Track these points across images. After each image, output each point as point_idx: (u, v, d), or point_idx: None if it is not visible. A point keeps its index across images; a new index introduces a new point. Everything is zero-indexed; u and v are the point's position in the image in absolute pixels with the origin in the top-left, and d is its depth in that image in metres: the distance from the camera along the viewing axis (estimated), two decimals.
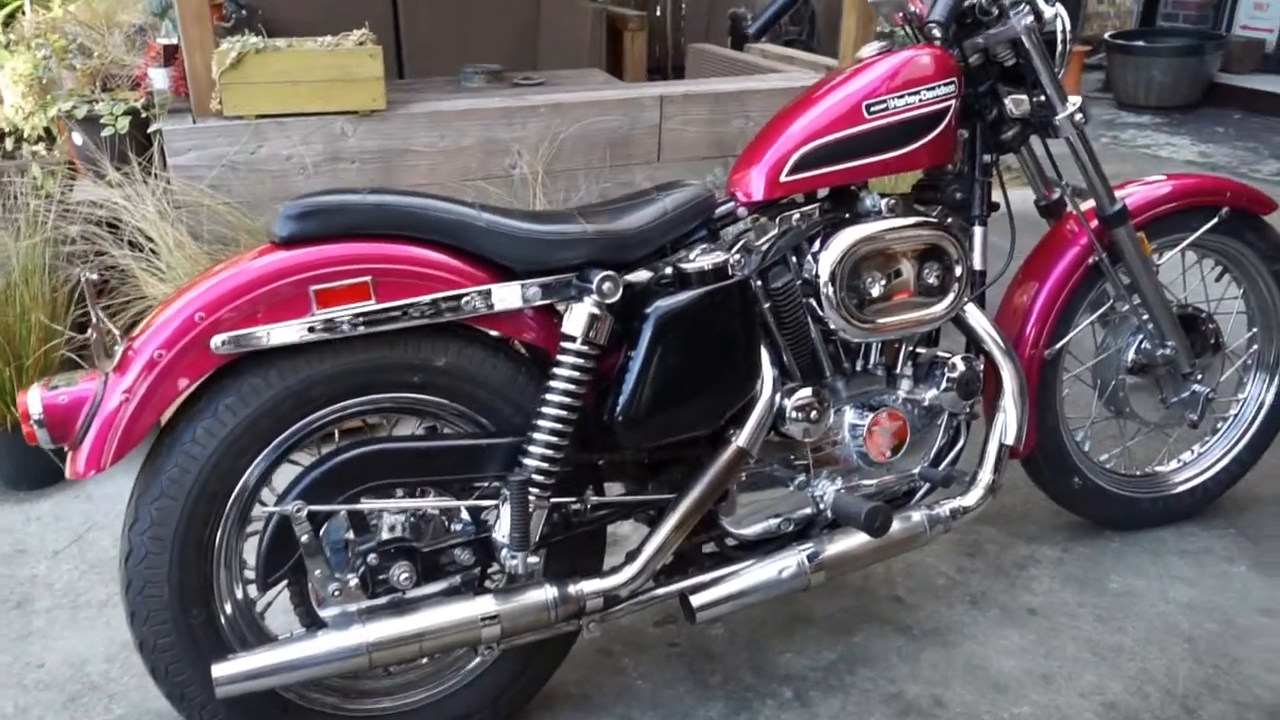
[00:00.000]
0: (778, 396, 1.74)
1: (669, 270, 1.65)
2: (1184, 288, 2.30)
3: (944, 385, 1.90)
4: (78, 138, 2.66)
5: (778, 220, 1.79)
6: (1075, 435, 2.26)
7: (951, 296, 1.84)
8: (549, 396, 1.56)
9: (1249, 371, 2.38)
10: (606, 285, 1.55)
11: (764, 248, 1.76)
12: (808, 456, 1.83)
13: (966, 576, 2.21)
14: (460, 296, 1.53)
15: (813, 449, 1.83)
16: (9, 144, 3.01)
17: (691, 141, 3.22)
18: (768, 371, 1.73)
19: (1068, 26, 1.95)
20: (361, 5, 5.47)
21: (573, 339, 1.56)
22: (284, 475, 1.56)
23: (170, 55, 2.78)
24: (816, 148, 1.76)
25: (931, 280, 1.81)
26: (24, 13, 4.23)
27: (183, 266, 2.53)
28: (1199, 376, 2.22)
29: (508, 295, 1.55)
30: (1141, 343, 2.20)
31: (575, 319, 1.56)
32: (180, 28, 2.64)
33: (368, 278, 1.49)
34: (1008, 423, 1.96)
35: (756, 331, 1.70)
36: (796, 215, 1.80)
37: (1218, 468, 2.38)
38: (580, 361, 1.56)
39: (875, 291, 1.77)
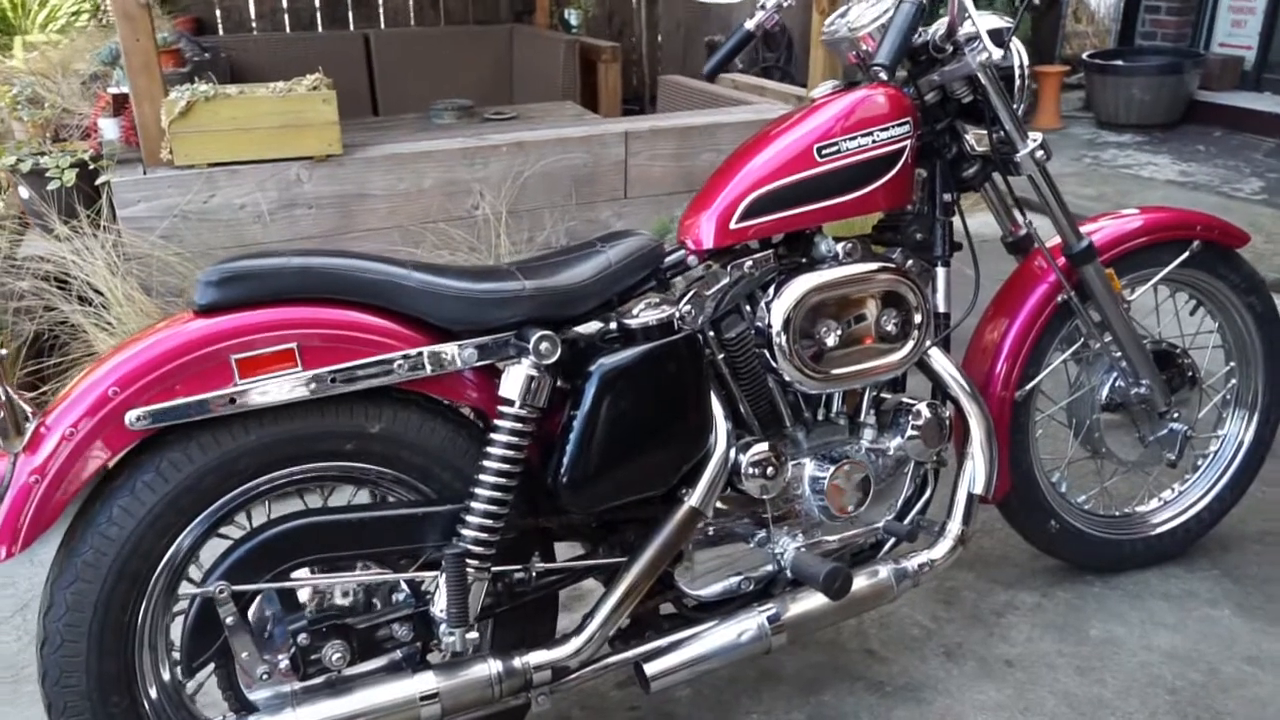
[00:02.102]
0: (732, 452, 1.67)
1: (614, 325, 1.59)
2: (1158, 323, 2.24)
3: (909, 433, 1.83)
4: (24, 191, 2.60)
5: (729, 268, 1.72)
6: (1051, 477, 2.19)
7: (912, 343, 1.78)
8: (486, 463, 1.49)
9: (1228, 407, 2.32)
10: (544, 345, 1.49)
11: (716, 297, 1.70)
12: (767, 511, 1.76)
13: (942, 626, 2.14)
14: (391, 360, 1.46)
15: (773, 503, 1.76)
16: None
17: (659, 177, 3.18)
18: (721, 426, 1.66)
19: (1025, 62, 1.90)
20: (334, 44, 5.49)
21: (510, 402, 1.49)
22: (214, 550, 1.48)
23: (120, 105, 2.73)
24: (767, 193, 1.71)
25: (890, 327, 1.75)
26: None
27: (133, 320, 2.47)
28: (1176, 414, 2.15)
29: (442, 357, 1.49)
30: (1115, 381, 2.13)
31: (512, 381, 1.49)
32: (128, 77, 2.59)
33: (293, 344, 1.42)
34: (976, 471, 1.89)
35: (706, 386, 1.63)
36: (749, 262, 1.73)
37: (1199, 506, 2.31)
38: (518, 426, 1.49)
39: (830, 341, 1.70)
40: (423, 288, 1.49)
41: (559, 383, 1.57)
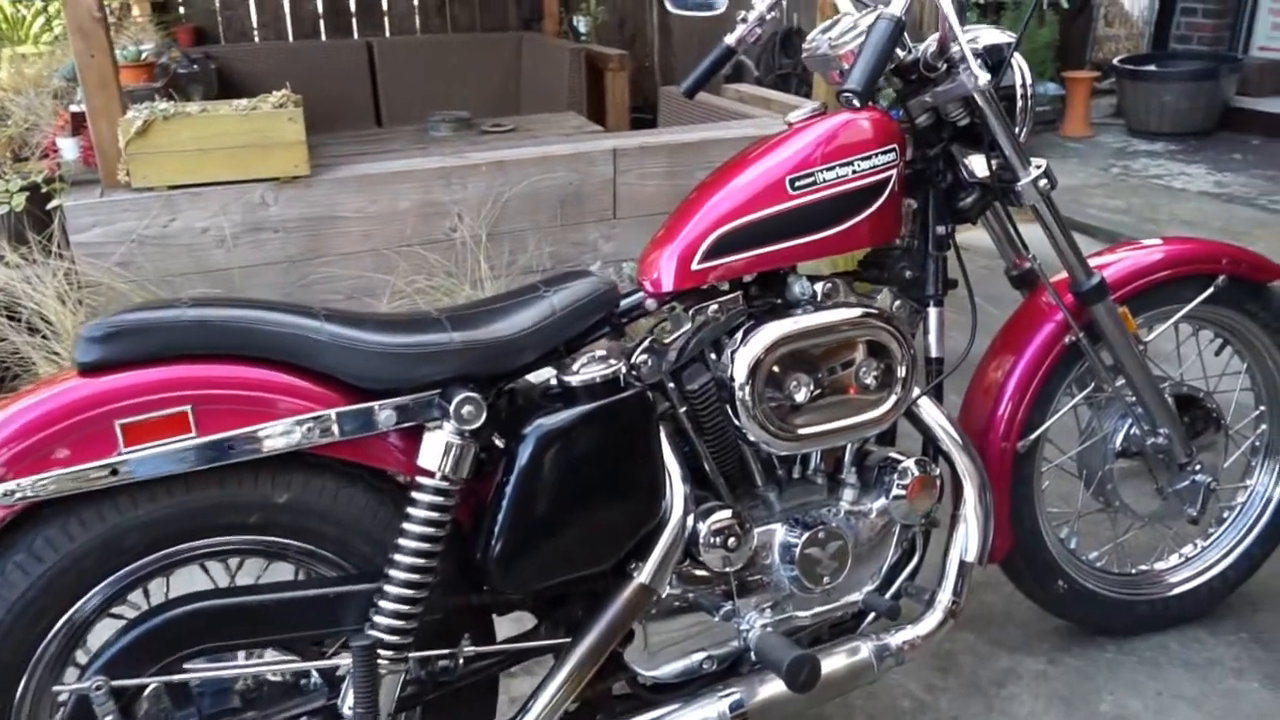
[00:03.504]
0: (690, 520, 1.50)
1: (554, 380, 1.43)
2: (1180, 364, 2.04)
3: (894, 493, 1.65)
4: None
5: (692, 312, 1.55)
6: (1059, 532, 2.00)
7: (893, 399, 1.60)
8: (401, 541, 1.33)
9: (1257, 455, 2.11)
10: (466, 409, 1.32)
11: (677, 345, 1.53)
12: (732, 583, 1.58)
13: (936, 697, 1.95)
14: (298, 424, 1.30)
15: (739, 573, 1.58)
16: None
17: (650, 197, 3.01)
18: (678, 492, 1.49)
19: (1028, 80, 1.72)
20: (338, 53, 5.37)
21: (429, 473, 1.33)
22: (105, 633, 1.33)
23: (80, 123, 2.61)
24: (733, 230, 1.53)
25: (868, 380, 1.57)
26: None
27: None
28: (1198, 465, 1.95)
29: (356, 420, 1.33)
30: (1130, 428, 1.94)
31: (430, 449, 1.33)
32: (84, 94, 2.46)
33: (186, 407, 1.27)
34: (969, 535, 1.70)
35: (656, 449, 1.46)
36: (714, 306, 1.56)
37: (1225, 564, 2.10)
38: (438, 500, 1.33)
39: (800, 396, 1.53)
40: (334, 342, 1.33)
41: (497, 440, 1.41)
